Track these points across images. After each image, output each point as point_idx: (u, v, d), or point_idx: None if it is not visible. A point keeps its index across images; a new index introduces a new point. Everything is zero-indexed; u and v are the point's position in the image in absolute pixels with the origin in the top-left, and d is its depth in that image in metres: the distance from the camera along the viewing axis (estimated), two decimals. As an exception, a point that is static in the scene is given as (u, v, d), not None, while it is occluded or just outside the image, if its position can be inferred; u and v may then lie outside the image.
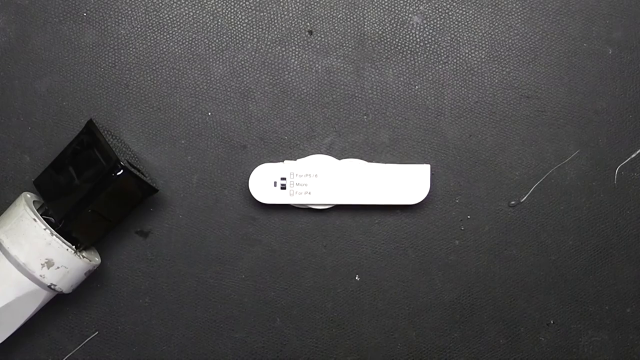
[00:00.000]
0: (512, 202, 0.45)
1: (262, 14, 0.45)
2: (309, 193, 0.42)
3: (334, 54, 0.45)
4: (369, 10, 0.45)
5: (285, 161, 0.43)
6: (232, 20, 0.45)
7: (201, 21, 0.45)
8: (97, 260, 0.43)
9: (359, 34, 0.45)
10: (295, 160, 0.43)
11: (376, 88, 0.45)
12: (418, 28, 0.45)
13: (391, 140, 0.45)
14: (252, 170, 0.43)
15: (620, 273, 0.46)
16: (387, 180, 0.43)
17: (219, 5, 0.45)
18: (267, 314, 0.45)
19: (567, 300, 0.46)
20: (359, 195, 0.43)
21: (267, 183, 0.42)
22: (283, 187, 0.42)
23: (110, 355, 0.45)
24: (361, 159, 0.44)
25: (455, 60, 0.45)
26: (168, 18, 0.44)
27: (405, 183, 0.43)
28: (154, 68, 0.44)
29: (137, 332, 0.45)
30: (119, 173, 0.39)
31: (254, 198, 0.43)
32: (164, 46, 0.44)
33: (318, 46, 0.45)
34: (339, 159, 0.44)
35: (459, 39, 0.45)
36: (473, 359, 0.46)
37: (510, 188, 0.45)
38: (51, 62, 0.44)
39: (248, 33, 0.45)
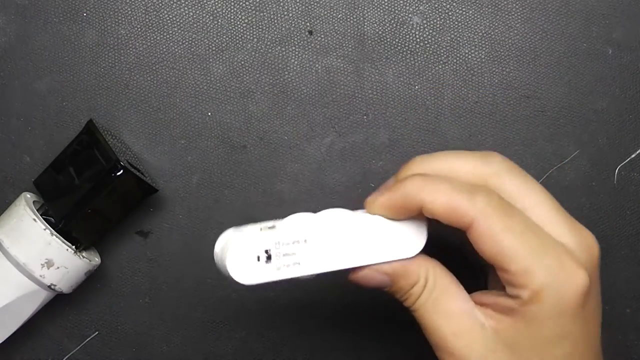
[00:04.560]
0: (512, 202, 0.45)
1: (262, 14, 0.45)
2: (299, 264, 0.34)
3: (334, 54, 0.45)
4: (369, 10, 0.45)
5: (263, 229, 0.34)
6: (232, 20, 0.45)
7: (201, 21, 0.45)
8: (97, 260, 0.43)
9: (359, 34, 0.45)
10: (271, 223, 0.35)
11: (376, 88, 0.45)
12: (418, 28, 0.45)
13: (391, 140, 0.45)
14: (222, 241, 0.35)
15: (620, 273, 0.46)
16: (383, 232, 0.35)
17: (219, 5, 0.45)
18: (267, 314, 0.45)
19: (567, 300, 0.46)
20: (356, 258, 0.35)
21: (249, 259, 0.33)
22: (268, 261, 0.34)
23: (110, 355, 0.45)
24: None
25: (455, 60, 0.45)
26: (168, 18, 0.44)
27: (399, 234, 0.35)
28: (154, 68, 0.44)
29: (137, 332, 0.45)
30: (119, 173, 0.40)
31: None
32: (164, 46, 0.44)
33: (318, 46, 0.45)
34: (315, 212, 0.36)
35: (459, 39, 0.45)
36: (473, 359, 0.46)
37: (510, 188, 0.45)
38: (51, 62, 0.44)
39: (248, 33, 0.45)
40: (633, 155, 0.45)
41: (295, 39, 0.45)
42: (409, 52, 0.45)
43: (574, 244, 0.32)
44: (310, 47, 0.45)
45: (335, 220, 0.34)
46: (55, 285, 0.40)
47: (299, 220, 0.34)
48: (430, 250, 0.35)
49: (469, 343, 0.32)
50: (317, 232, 0.34)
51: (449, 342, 0.33)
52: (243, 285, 0.33)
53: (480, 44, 0.45)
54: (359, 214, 0.35)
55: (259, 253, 0.33)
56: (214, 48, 0.45)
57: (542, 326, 0.31)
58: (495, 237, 0.31)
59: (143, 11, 0.44)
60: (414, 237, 0.35)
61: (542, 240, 0.31)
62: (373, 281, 0.35)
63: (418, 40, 0.45)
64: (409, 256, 0.35)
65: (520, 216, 0.32)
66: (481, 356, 0.32)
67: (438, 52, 0.45)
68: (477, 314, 0.33)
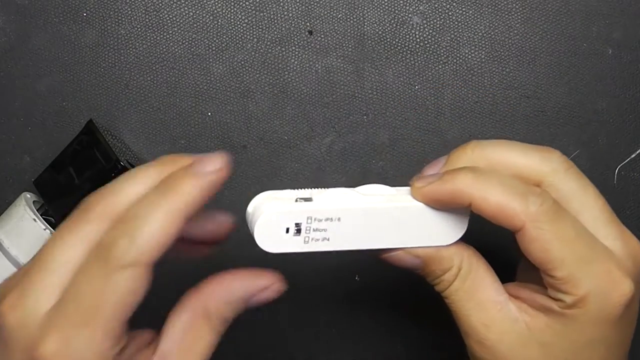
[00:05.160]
0: (512, 202, 0.45)
1: (262, 14, 0.45)
2: (328, 239, 0.33)
3: (334, 54, 0.45)
4: (369, 10, 0.45)
5: (298, 200, 0.34)
6: (232, 20, 0.45)
7: (201, 21, 0.45)
8: (97, 260, 0.43)
9: (359, 34, 0.45)
10: (310, 196, 0.34)
11: (376, 88, 0.45)
12: (418, 28, 0.45)
13: (391, 140, 0.45)
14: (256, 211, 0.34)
15: (620, 273, 0.46)
16: (420, 218, 0.34)
17: (219, 5, 0.45)
18: (267, 313, 0.45)
19: (567, 300, 0.46)
20: (387, 239, 0.34)
21: (278, 230, 0.33)
22: (297, 233, 0.33)
23: (110, 355, 0.45)
24: (382, 181, 0.36)
25: (455, 60, 0.45)
26: (168, 18, 0.44)
27: (440, 219, 0.34)
28: (154, 68, 0.44)
29: (137, 332, 0.45)
30: (119, 173, 0.40)
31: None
32: (164, 46, 0.45)
33: (318, 46, 0.45)
34: (355, 186, 0.35)
35: (459, 39, 0.45)
36: None
37: (510, 188, 0.45)
38: (51, 62, 0.44)
39: (248, 33, 0.45)
40: (633, 155, 0.45)
41: (295, 39, 0.45)
42: (409, 52, 0.45)
43: (621, 251, 0.32)
44: (310, 47, 0.45)
45: (371, 200, 0.34)
46: (55, 285, 0.40)
47: (336, 197, 0.34)
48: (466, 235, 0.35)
49: (499, 335, 0.32)
50: (352, 213, 0.33)
51: (480, 332, 0.32)
52: (268, 253, 0.33)
53: (480, 44, 0.45)
54: (400, 195, 0.34)
55: (289, 225, 0.32)
56: (214, 48, 0.45)
57: (581, 330, 0.31)
58: (545, 244, 0.30)
59: (143, 11, 0.44)
60: (453, 226, 0.34)
61: (591, 247, 0.31)
62: (403, 263, 0.34)
63: (418, 40, 0.45)
64: (444, 244, 0.34)
65: (571, 221, 0.31)
66: (511, 349, 0.32)
67: (438, 52, 0.45)
68: (510, 307, 0.32)
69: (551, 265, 0.31)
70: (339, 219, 0.33)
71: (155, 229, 0.28)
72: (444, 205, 0.33)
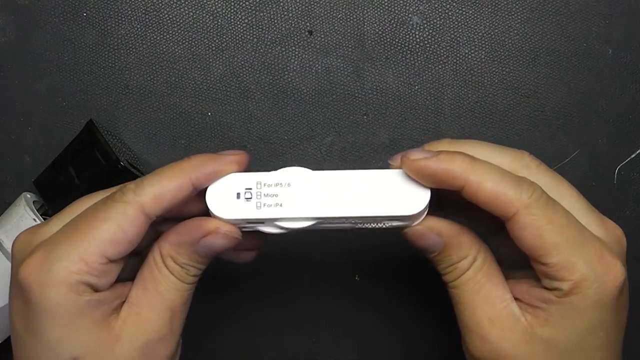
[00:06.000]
0: (512, 202, 0.45)
1: (262, 14, 0.45)
2: (280, 205, 0.34)
3: (334, 54, 0.45)
4: (369, 10, 0.45)
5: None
6: (232, 20, 0.45)
7: (201, 21, 0.45)
8: (97, 260, 0.43)
9: (359, 34, 0.45)
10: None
11: (376, 88, 0.45)
12: (418, 28, 0.45)
13: (391, 140, 0.45)
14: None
15: (620, 273, 0.46)
16: (377, 187, 0.34)
17: (219, 5, 0.45)
18: (267, 314, 0.45)
19: (567, 300, 0.46)
20: (343, 206, 0.34)
21: (228, 194, 0.34)
22: (248, 199, 0.34)
23: (110, 355, 0.45)
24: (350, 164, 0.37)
25: (455, 60, 0.45)
26: (168, 18, 0.44)
27: (401, 190, 0.33)
28: (154, 68, 0.45)
29: (137, 332, 0.45)
30: (119, 173, 0.40)
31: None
32: (164, 46, 0.45)
33: (318, 46, 0.45)
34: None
35: (459, 39, 0.45)
36: None
37: (510, 188, 0.45)
38: (51, 62, 0.44)
39: (248, 33, 0.45)
40: (633, 155, 0.45)
41: (295, 39, 0.45)
42: (409, 52, 0.45)
43: (605, 236, 0.33)
44: (310, 47, 0.45)
45: (325, 172, 0.34)
46: (55, 285, 0.40)
47: (288, 169, 0.34)
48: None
49: (503, 332, 0.32)
50: (302, 178, 0.34)
51: (484, 327, 0.33)
52: (223, 219, 0.33)
53: (480, 44, 0.45)
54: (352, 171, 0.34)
55: (239, 190, 0.34)
56: (214, 48, 0.45)
57: (580, 318, 0.31)
58: (538, 230, 0.31)
59: (143, 11, 0.45)
60: (414, 198, 0.33)
61: (581, 233, 0.32)
62: (423, 240, 0.34)
63: (418, 40, 0.45)
64: (409, 214, 0.33)
65: (561, 209, 0.32)
66: (514, 346, 0.32)
67: (438, 52, 0.45)
68: (514, 306, 0.33)
69: (544, 251, 0.31)
70: (288, 184, 0.34)
71: (159, 181, 0.32)
72: (432, 184, 0.33)
